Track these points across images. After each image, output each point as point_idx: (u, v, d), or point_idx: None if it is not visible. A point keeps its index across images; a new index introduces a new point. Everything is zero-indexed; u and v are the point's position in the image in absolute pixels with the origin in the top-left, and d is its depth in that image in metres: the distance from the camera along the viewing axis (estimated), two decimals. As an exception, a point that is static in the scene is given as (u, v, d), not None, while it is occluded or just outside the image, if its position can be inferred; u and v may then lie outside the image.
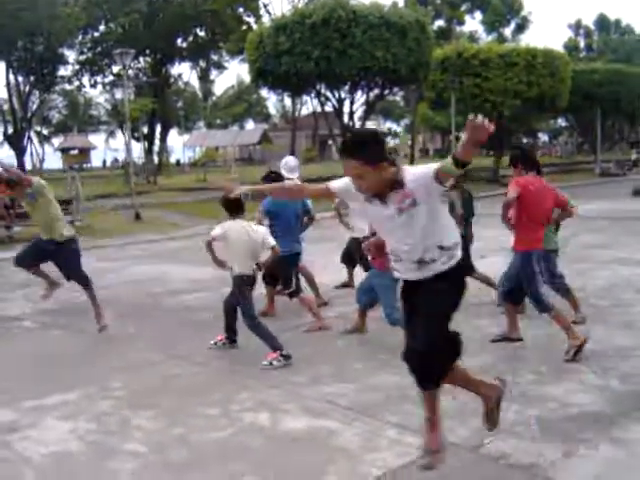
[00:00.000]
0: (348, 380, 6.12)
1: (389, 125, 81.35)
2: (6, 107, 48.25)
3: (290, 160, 9.04)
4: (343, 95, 27.70)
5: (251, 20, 46.72)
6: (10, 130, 48.11)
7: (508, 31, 64.53)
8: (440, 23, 52.77)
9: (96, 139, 78.71)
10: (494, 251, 10.88)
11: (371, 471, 4.38)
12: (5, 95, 47.18)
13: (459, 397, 5.11)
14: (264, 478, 4.36)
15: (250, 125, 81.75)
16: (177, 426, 5.23)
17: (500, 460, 4.46)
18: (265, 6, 45.51)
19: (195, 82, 73.49)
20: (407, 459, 4.49)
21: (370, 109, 30.16)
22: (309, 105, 55.84)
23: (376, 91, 28.35)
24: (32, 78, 45.74)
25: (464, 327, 7.57)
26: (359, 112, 29.64)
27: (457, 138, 60.79)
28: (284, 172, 8.62)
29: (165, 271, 12.43)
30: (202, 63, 57.38)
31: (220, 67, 60.13)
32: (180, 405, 5.69)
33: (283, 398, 5.73)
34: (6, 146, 50.37)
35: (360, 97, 28.57)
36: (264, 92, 54.53)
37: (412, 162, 48.38)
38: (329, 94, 27.95)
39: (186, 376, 6.50)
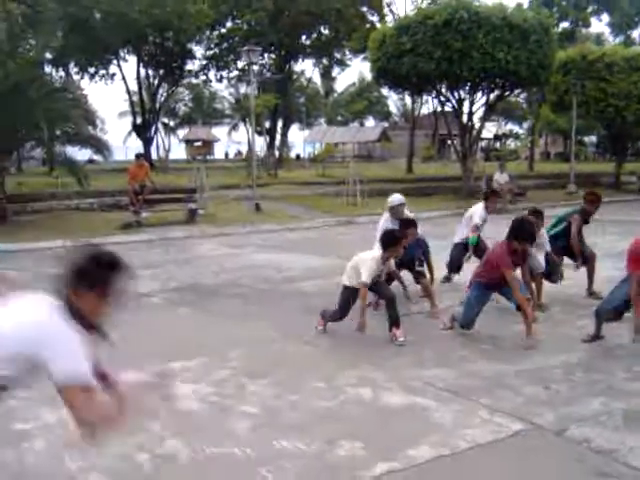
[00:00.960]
0: (448, 365, 6.54)
1: (510, 127, 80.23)
2: (136, 99, 50.43)
3: (396, 198, 9.51)
4: (463, 95, 27.77)
5: (374, 19, 47.26)
6: (139, 121, 50.25)
7: (636, 33, 62.61)
8: (565, 25, 51.69)
9: (219, 132, 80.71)
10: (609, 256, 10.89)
11: (460, 444, 4.81)
12: (136, 88, 49.39)
13: (552, 386, 5.48)
14: (362, 442, 4.85)
15: (370, 122, 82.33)
16: (288, 394, 5.80)
17: (583, 444, 4.80)
18: (389, 5, 45.89)
19: (317, 79, 74.53)
20: (495, 437, 4.91)
21: (490, 110, 30.07)
22: (429, 104, 55.81)
23: (496, 92, 28.27)
24: (161, 72, 47.82)
25: (566, 325, 7.90)
26: (479, 113, 29.62)
27: (580, 142, 59.34)
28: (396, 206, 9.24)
29: (283, 259, 13.05)
30: (325, 60, 58.24)
31: (342, 64, 60.89)
32: (291, 377, 6.25)
33: (385, 377, 6.21)
34: (134, 136, 52.75)
35: (480, 98, 28.56)
36: (385, 90, 54.96)
37: (532, 165, 47.76)
38: (449, 94, 28.08)
39: (298, 353, 7.08)
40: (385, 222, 9.19)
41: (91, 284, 3.17)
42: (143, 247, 14.70)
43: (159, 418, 5.18)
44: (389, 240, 7.50)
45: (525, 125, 77.40)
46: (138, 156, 20.98)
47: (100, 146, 21.00)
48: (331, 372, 6.37)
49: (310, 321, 8.06)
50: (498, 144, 76.89)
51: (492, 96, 28.52)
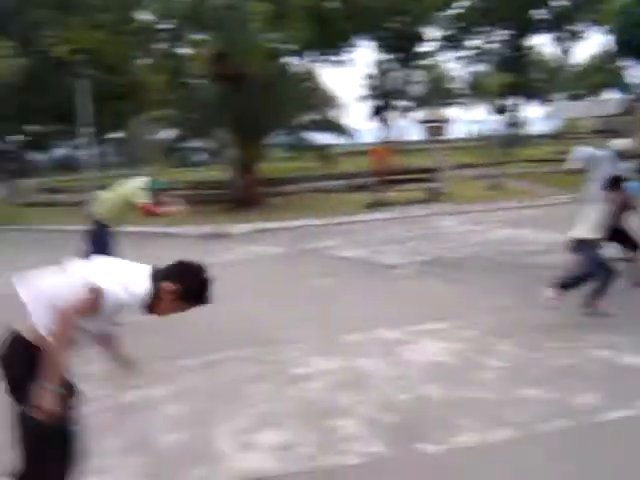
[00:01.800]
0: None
1: None
2: (373, 83, 51.87)
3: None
4: None
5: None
6: (377, 104, 51.66)
7: None
8: None
9: (455, 112, 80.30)
10: None
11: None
12: (372, 72, 50.83)
13: None
14: (600, 393, 5.32)
15: (610, 96, 78.45)
16: (530, 353, 6.36)
17: None
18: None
19: (555, 53, 72.19)
20: None
21: None
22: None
23: None
24: (396, 55, 48.87)
25: None
26: None
27: None
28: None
29: (523, 234, 13.40)
30: (560, 34, 56.44)
31: (580, 37, 58.65)
32: (533, 339, 6.79)
33: (627, 342, 6.56)
34: (372, 119, 54.31)
35: None
36: (628, 62, 52.37)
37: None
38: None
39: (537, 317, 7.56)
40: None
41: (186, 295, 3.48)
42: (387, 224, 15.64)
43: (416, 368, 5.97)
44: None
45: None
46: (380, 140, 21.98)
47: (343, 130, 22.23)
48: (571, 335, 6.83)
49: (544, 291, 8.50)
50: None
51: None
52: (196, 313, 7.90)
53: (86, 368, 5.69)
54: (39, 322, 3.20)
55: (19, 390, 3.26)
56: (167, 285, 3.41)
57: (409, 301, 8.69)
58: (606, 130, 64.98)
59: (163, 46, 22.10)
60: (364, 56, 54.77)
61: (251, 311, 8.49)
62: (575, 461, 4.33)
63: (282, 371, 6.18)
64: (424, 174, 20.52)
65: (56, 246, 14.53)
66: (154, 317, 3.58)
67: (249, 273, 11.25)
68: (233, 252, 13.31)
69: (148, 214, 8.30)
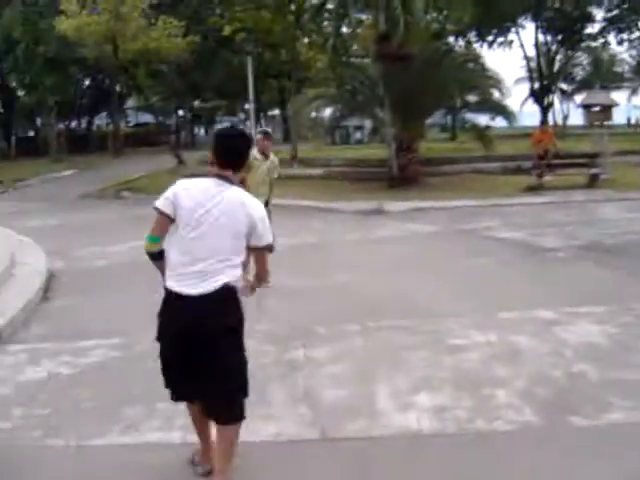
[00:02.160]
0: None
1: None
2: (533, 65, 50.65)
3: None
4: None
5: None
6: (536, 87, 50.45)
7: None
8: None
9: (619, 96, 76.96)
10: None
11: None
12: (533, 54, 49.65)
13: None
14: None
15: None
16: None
17: None
18: None
19: None
20: None
21: None
22: None
23: None
24: (559, 36, 47.50)
25: None
26: None
27: None
28: None
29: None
30: None
31: None
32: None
33: None
34: (530, 102, 53.09)
35: None
36: None
37: None
38: None
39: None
40: None
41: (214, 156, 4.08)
42: (545, 208, 15.49)
43: (571, 347, 6.12)
44: None
45: None
46: (540, 123, 21.63)
47: (504, 112, 22.04)
48: None
49: None
50: None
51: None
52: (356, 285, 8.42)
53: (254, 326, 6.25)
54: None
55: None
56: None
57: (566, 284, 8.74)
58: None
59: (327, 25, 22.63)
60: (526, 37, 53.61)
61: (408, 285, 8.83)
62: None
63: (439, 341, 6.48)
64: (585, 159, 20.05)
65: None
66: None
67: (405, 250, 11.57)
68: (390, 229, 13.66)
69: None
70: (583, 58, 71.07)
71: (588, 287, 8.52)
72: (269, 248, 4.07)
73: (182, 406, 4.31)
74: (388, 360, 6.04)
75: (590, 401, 5.06)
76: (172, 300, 3.87)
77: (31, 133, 57.14)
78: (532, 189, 18.09)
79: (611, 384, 5.36)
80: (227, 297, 3.84)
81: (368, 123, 33.67)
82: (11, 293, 8.79)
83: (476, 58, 21.76)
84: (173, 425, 4.89)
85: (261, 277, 4.28)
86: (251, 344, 6.52)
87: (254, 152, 8.67)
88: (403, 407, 5.06)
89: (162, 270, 4.00)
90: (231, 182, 3.93)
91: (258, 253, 4.13)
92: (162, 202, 3.92)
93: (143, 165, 30.05)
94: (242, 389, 3.97)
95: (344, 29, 21.44)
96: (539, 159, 18.77)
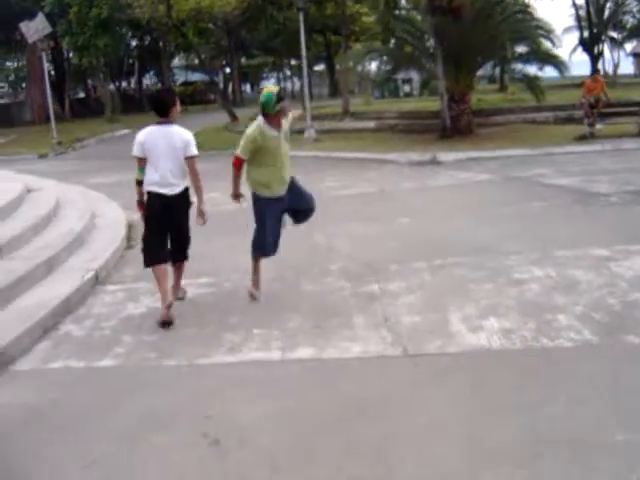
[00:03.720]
0: None
1: None
2: (582, 13, 49.91)
3: None
4: None
5: None
6: (585, 35, 49.77)
7: None
8: None
9: (672, 43, 75.32)
10: None
11: None
12: (582, 1, 48.88)
13: None
14: None
15: None
16: None
17: None
18: None
19: None
20: None
21: None
22: None
23: None
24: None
25: None
26: None
27: None
28: None
29: None
30: None
31: None
32: None
33: None
34: (579, 51, 52.35)
35: None
36: None
37: None
38: None
39: None
40: None
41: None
42: (597, 156, 15.80)
43: (625, 280, 6.62)
44: None
45: None
46: (590, 72, 21.70)
47: (555, 62, 22.18)
48: None
49: None
50: None
51: None
52: (419, 228, 9.03)
53: (328, 266, 6.92)
54: None
55: None
56: None
57: (618, 225, 9.19)
58: None
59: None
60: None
61: (468, 227, 9.39)
62: None
63: (502, 275, 7.06)
64: (636, 107, 20.14)
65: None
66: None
67: (462, 196, 12.08)
68: (446, 178, 14.17)
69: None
70: (634, 5, 69.59)
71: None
72: (194, 157, 6.47)
73: (276, 331, 5.28)
74: (457, 292, 6.63)
75: (643, 323, 5.61)
76: (155, 197, 6.44)
77: (82, 95, 58.25)
78: (584, 138, 18.35)
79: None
80: (185, 194, 6.59)
81: (416, 76, 33.85)
82: (98, 242, 9.55)
83: (525, 8, 21.76)
84: (270, 346, 5.58)
85: (198, 192, 6.56)
86: (329, 280, 7.23)
87: (262, 125, 6.52)
88: (474, 329, 5.66)
89: (140, 193, 6.65)
90: (169, 123, 6.43)
91: (190, 162, 6.46)
92: (135, 149, 6.48)
93: (197, 121, 30.68)
94: (189, 242, 6.88)
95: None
96: (590, 108, 18.96)
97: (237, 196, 6.87)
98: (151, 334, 6.09)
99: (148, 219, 6.57)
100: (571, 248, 7.95)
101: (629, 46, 73.27)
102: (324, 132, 23.40)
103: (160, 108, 6.45)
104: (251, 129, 6.52)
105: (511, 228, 9.26)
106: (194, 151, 6.47)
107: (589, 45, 48.38)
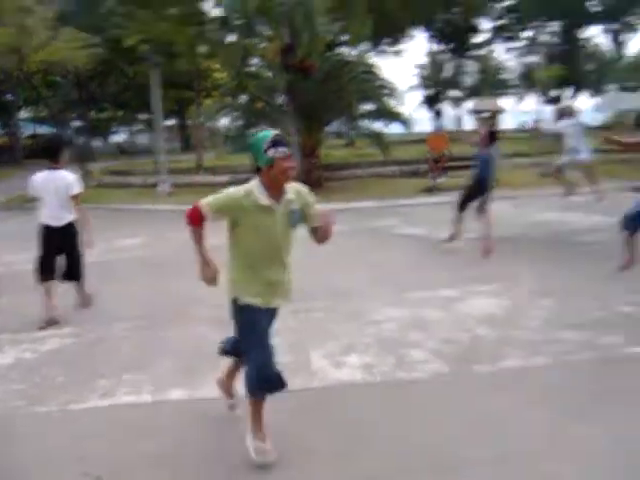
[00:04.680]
0: None
1: None
2: (425, 72, 52.87)
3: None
4: None
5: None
6: (428, 93, 52.66)
7: None
8: None
9: (506, 102, 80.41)
10: None
11: None
12: (424, 62, 51.87)
13: None
14: (620, 336, 6.55)
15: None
16: (570, 305, 7.59)
17: None
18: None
19: (606, 45, 72.08)
20: None
21: None
22: None
23: None
24: (449, 45, 49.94)
25: None
26: None
27: None
28: None
29: (565, 217, 14.48)
30: (614, 25, 56.64)
31: (635, 29, 58.70)
32: (571, 296, 8.01)
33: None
34: (423, 108, 55.33)
35: None
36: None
37: None
38: None
39: (576, 279, 8.76)
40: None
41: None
42: (441, 207, 16.68)
43: (471, 316, 7.25)
44: None
45: None
46: (433, 128, 23.05)
47: (399, 119, 23.40)
48: (603, 291, 8.04)
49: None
50: None
51: None
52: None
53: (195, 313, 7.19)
54: None
55: None
56: None
57: (464, 268, 9.96)
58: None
59: (231, 37, 23.42)
60: (418, 46, 55.76)
61: (328, 274, 9.87)
62: (598, 384, 5.58)
63: (360, 316, 7.55)
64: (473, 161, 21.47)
65: (138, 221, 16.19)
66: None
67: (315, 247, 12.48)
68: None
69: None
70: (474, 66, 74.11)
71: (485, 269, 9.77)
72: (77, 195, 7.90)
73: (146, 376, 5.45)
74: (319, 332, 7.05)
75: (489, 354, 6.21)
76: (47, 229, 7.93)
77: None
78: (428, 190, 19.45)
79: (506, 341, 6.56)
80: (71, 226, 7.98)
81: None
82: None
83: (371, 69, 22.98)
84: (142, 390, 5.76)
85: (84, 224, 8.05)
86: (195, 326, 7.45)
87: (254, 187, 4.37)
88: (336, 365, 6.07)
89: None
90: (57, 168, 7.87)
91: (74, 199, 7.90)
92: (30, 190, 7.96)
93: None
94: (79, 265, 8.25)
95: (249, 41, 22.28)
96: (434, 163, 20.16)
97: (209, 271, 4.55)
98: (20, 383, 6.11)
99: (41, 245, 7.96)
100: (422, 290, 8.57)
101: (469, 104, 77.42)
102: (179, 186, 23.55)
103: (51, 154, 7.93)
104: (235, 188, 4.39)
105: (366, 274, 9.82)
106: (77, 190, 7.93)
107: (432, 103, 51.18)
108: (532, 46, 51.91)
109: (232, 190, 4.37)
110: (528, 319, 7.24)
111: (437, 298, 8.18)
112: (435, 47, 50.87)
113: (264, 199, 4.32)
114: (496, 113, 65.38)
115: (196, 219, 4.38)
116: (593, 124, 63.14)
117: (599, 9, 49.44)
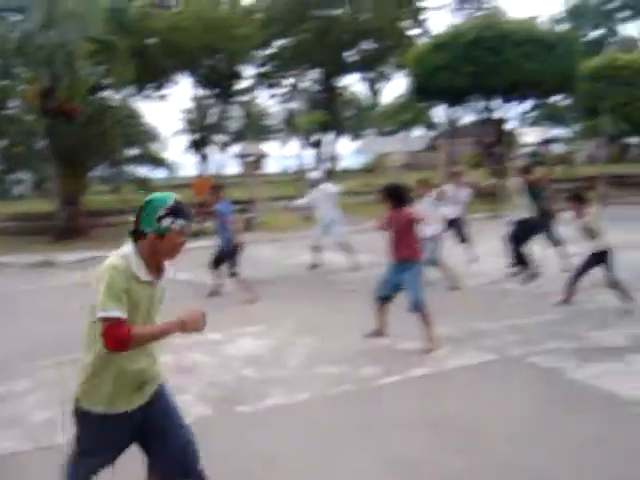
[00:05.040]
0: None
1: (557, 132, 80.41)
2: (190, 117, 53.29)
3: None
4: (496, 106, 29.68)
5: (415, 32, 49.19)
6: (194, 138, 53.09)
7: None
8: (596, 33, 53.12)
9: (270, 147, 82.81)
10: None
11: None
12: (189, 106, 52.33)
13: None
14: (378, 368, 7.00)
15: (418, 132, 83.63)
16: (331, 343, 7.97)
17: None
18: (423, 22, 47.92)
19: (364, 92, 76.50)
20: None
21: (525, 118, 31.80)
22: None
23: (530, 101, 30.01)
24: (213, 91, 50.69)
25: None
26: (516, 121, 31.23)
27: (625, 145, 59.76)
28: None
29: (329, 257, 15.15)
30: (370, 74, 60.32)
31: (387, 78, 62.81)
32: (331, 333, 8.42)
33: (404, 331, 8.32)
34: (189, 152, 55.66)
35: (515, 107, 30.28)
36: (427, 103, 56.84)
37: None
38: (484, 105, 29.93)
39: (335, 318, 9.22)
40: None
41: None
42: (206, 252, 16.96)
43: (236, 358, 7.40)
44: None
45: (571, 129, 77.66)
46: (199, 173, 23.29)
47: (163, 164, 23.48)
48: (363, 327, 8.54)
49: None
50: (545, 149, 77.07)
51: (527, 105, 30.18)
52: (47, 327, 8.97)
53: None
54: None
55: None
56: None
57: (229, 311, 10.14)
58: (413, 164, 69.52)
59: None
60: (183, 91, 56.21)
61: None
62: (357, 414, 5.94)
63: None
64: (241, 205, 21.98)
65: None
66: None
67: (80, 296, 12.22)
68: (61, 279, 14.25)
69: None
70: (238, 111, 75.54)
71: (249, 312, 10.04)
72: None
73: None
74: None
75: (253, 394, 6.41)
76: None
77: None
78: (195, 235, 19.56)
79: (269, 380, 6.82)
80: None
81: (29, 177, 33.18)
82: None
83: (135, 113, 22.93)
84: None
85: None
86: None
87: (130, 261, 3.53)
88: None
89: None
90: None
91: None
92: None
93: None
94: None
95: (6, 82, 21.43)
96: (200, 207, 20.33)
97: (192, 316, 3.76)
98: None
99: None
100: (186, 335, 8.60)
101: (235, 148, 78.54)
102: None
103: None
104: (109, 269, 3.44)
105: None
106: None
107: (198, 147, 51.57)
108: (294, 92, 53.98)
109: (108, 277, 3.39)
110: (291, 357, 7.55)
111: (202, 342, 8.25)
112: (200, 92, 51.28)
113: (145, 275, 3.53)
114: (261, 157, 67.26)
115: (124, 341, 3.39)
116: (354, 167, 66.89)
117: (356, 59, 52.37)
